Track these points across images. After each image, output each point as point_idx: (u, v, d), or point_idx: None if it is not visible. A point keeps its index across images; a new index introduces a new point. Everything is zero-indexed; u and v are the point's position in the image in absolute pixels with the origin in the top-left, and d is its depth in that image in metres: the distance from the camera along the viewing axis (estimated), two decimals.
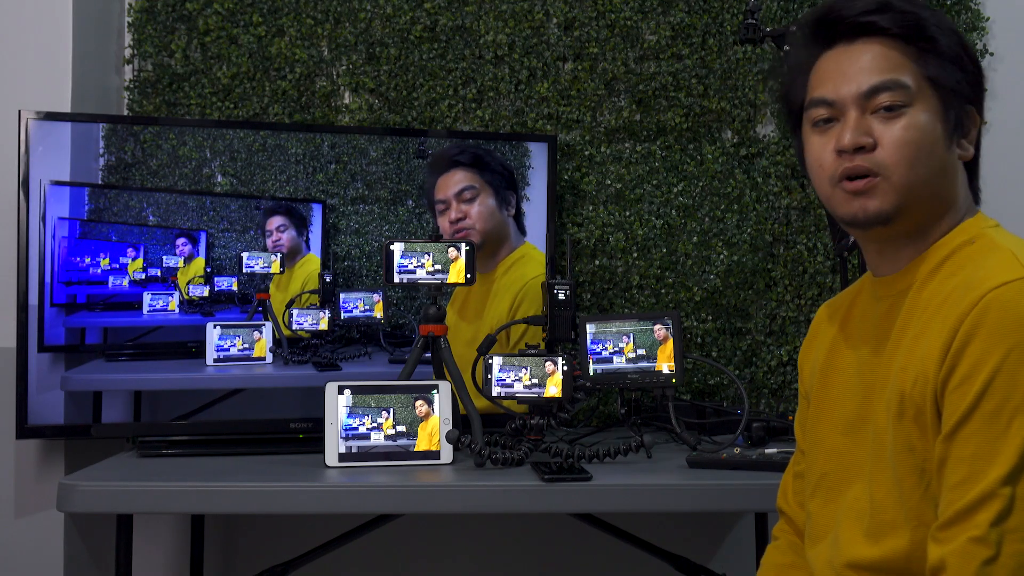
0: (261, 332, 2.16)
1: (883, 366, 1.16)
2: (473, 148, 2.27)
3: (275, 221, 2.19)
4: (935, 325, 1.08)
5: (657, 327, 1.93)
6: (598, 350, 1.95)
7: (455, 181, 2.25)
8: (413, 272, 1.94)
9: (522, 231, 2.30)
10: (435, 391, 1.85)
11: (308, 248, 2.21)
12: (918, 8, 1.16)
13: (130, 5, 2.42)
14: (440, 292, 1.96)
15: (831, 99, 1.17)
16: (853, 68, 1.15)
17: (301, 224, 2.21)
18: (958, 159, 1.18)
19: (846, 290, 1.35)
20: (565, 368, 1.86)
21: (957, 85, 1.15)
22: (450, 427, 1.83)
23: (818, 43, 1.20)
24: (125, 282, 2.12)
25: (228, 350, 2.14)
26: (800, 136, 1.24)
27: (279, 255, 2.19)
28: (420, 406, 1.84)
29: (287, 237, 2.20)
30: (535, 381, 1.87)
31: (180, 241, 2.14)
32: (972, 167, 1.21)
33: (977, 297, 1.04)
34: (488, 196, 2.25)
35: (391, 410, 1.83)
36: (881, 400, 1.14)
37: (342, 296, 2.21)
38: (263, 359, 2.16)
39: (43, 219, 2.05)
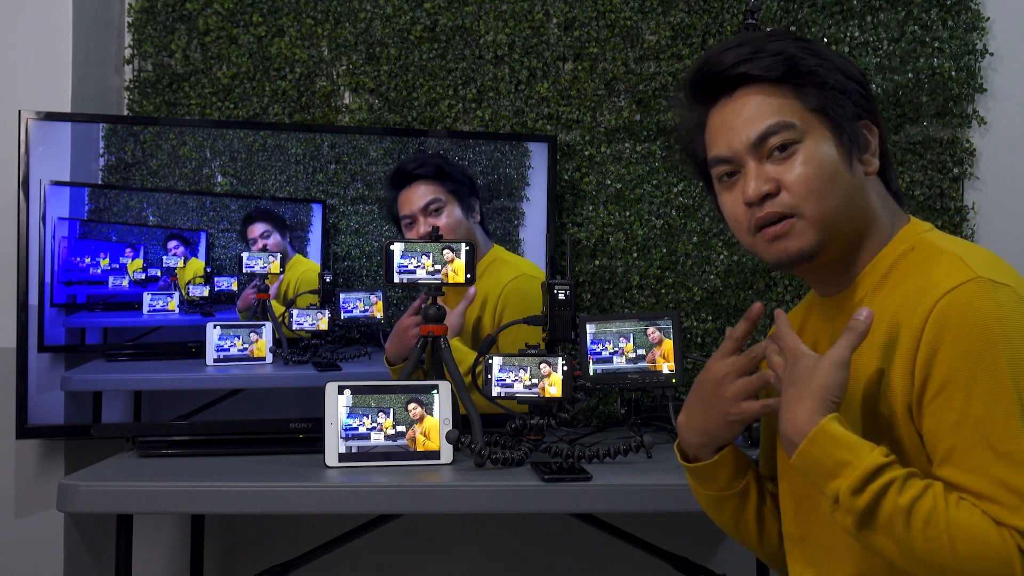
0: (260, 332, 2.16)
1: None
2: (434, 159, 2.24)
3: (257, 228, 2.19)
4: (892, 334, 1.09)
5: (651, 330, 1.93)
6: (598, 350, 1.95)
7: (419, 195, 2.22)
8: (413, 272, 1.94)
9: (488, 235, 2.29)
10: (435, 391, 1.85)
11: (293, 251, 2.21)
12: (786, 46, 1.17)
13: (130, 5, 2.42)
14: (440, 292, 1.96)
15: (726, 155, 1.18)
16: (739, 120, 1.17)
17: (283, 227, 2.20)
18: (865, 175, 1.18)
19: (795, 309, 1.36)
20: (565, 368, 1.87)
21: (843, 109, 1.16)
22: (450, 427, 1.83)
23: (701, 102, 1.22)
24: (125, 282, 2.12)
25: (228, 350, 2.14)
26: (714, 193, 1.25)
27: (279, 255, 2.19)
28: (413, 408, 1.83)
29: (272, 242, 2.19)
30: (535, 381, 1.87)
31: (171, 244, 2.14)
32: (885, 175, 1.22)
33: (932, 303, 1.04)
34: (454, 206, 2.23)
35: (391, 410, 1.83)
36: (847, 414, 1.15)
37: (342, 296, 2.21)
38: (263, 359, 2.16)
39: (43, 219, 2.05)
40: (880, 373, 1.09)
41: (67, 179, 2.09)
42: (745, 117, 1.16)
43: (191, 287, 2.15)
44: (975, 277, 1.04)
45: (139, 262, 2.12)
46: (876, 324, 1.11)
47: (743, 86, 1.18)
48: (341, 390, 1.82)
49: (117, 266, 2.11)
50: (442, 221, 2.21)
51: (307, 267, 2.21)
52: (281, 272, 2.19)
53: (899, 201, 1.23)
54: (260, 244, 2.19)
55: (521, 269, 2.26)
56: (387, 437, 1.82)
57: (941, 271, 1.07)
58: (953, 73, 2.41)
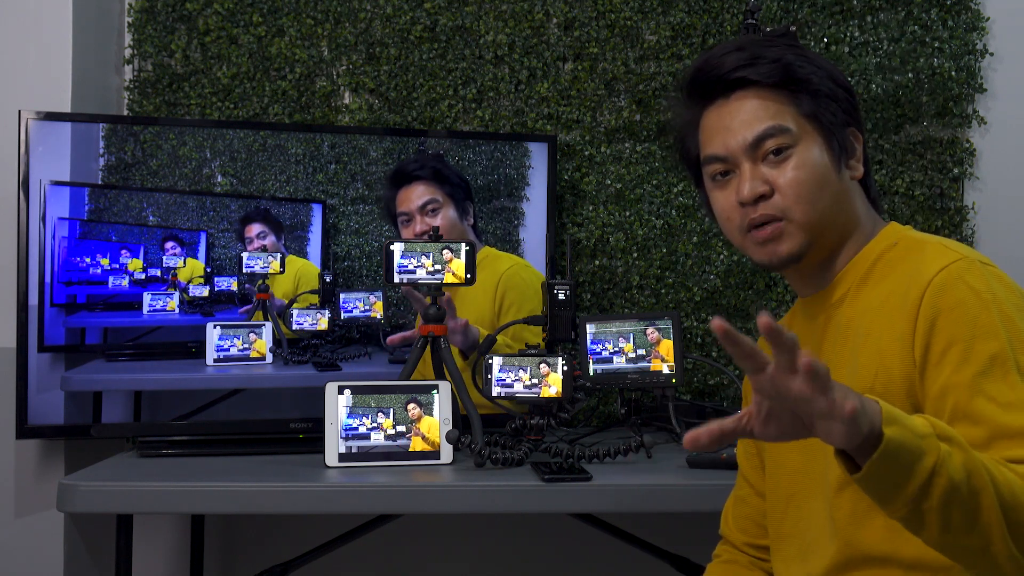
0: (260, 332, 2.16)
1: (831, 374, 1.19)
2: (432, 162, 2.28)
3: (254, 228, 2.20)
4: (882, 320, 1.13)
5: (649, 330, 1.94)
6: (598, 350, 1.95)
7: (417, 195, 2.25)
8: (413, 272, 1.94)
9: (479, 238, 2.30)
10: (435, 391, 1.85)
11: (287, 250, 2.22)
12: (784, 53, 1.21)
13: (130, 5, 2.42)
14: (440, 292, 1.96)
15: (722, 154, 1.22)
16: (735, 122, 1.20)
17: (279, 228, 2.21)
18: (851, 180, 1.23)
19: (781, 320, 1.39)
20: (565, 368, 1.87)
21: (834, 116, 1.20)
22: (450, 427, 1.83)
23: (697, 102, 1.26)
24: (125, 282, 2.12)
25: (228, 350, 2.14)
26: (704, 190, 1.29)
27: (279, 255, 2.19)
28: (412, 408, 1.83)
29: (269, 243, 2.20)
30: (535, 381, 1.87)
31: (169, 245, 2.14)
32: (866, 182, 1.26)
33: (926, 281, 1.09)
34: (450, 208, 2.26)
35: (391, 410, 1.83)
36: None
37: (342, 296, 2.21)
38: (263, 359, 2.16)
39: (43, 219, 2.05)
40: (876, 356, 1.12)
41: (67, 179, 2.08)
42: (742, 119, 1.20)
43: (191, 287, 2.15)
44: (963, 257, 1.10)
45: (139, 262, 2.12)
46: (861, 316, 1.16)
47: (740, 89, 1.21)
48: (341, 390, 1.82)
49: (117, 266, 2.11)
50: (437, 221, 2.24)
51: (300, 265, 2.22)
52: (281, 271, 2.19)
53: (876, 208, 1.28)
54: (257, 244, 2.19)
55: (515, 260, 2.30)
56: (387, 437, 1.82)
57: (929, 256, 1.13)
58: (953, 73, 2.41)
